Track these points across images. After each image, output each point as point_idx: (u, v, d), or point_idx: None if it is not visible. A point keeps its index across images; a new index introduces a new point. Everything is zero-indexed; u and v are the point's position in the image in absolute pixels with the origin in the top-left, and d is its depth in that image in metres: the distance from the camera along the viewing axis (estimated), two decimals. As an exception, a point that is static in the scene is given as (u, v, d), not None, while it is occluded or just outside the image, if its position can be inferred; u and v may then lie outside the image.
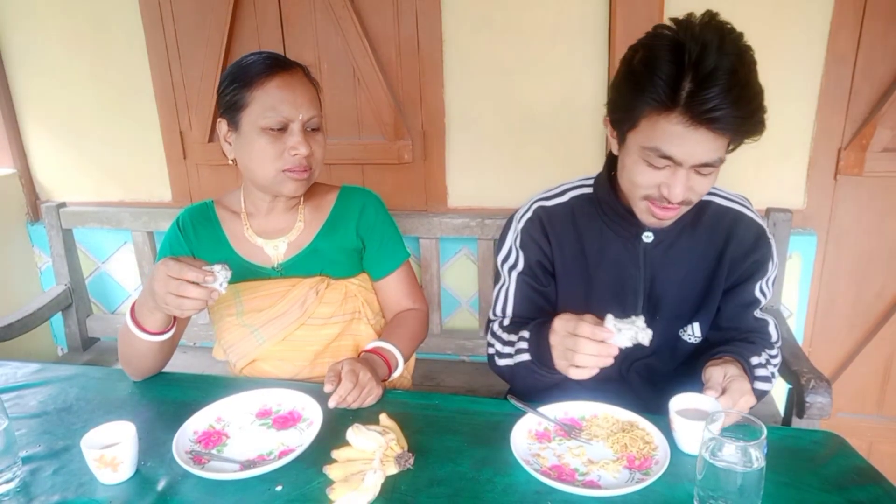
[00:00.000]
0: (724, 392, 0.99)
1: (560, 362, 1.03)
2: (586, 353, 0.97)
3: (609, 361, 0.98)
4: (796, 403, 1.47)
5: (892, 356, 1.94)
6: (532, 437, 1.06)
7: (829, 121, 1.78)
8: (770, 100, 1.02)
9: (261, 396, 1.18)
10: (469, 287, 2.12)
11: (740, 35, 0.98)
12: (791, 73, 1.75)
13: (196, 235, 1.36)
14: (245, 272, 1.34)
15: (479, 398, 1.21)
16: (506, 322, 1.27)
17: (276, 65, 1.21)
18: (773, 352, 1.17)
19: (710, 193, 1.20)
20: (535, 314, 1.24)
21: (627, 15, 1.73)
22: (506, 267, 1.28)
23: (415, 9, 1.89)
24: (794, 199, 1.87)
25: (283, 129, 1.20)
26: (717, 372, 1.03)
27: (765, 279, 1.19)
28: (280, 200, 1.33)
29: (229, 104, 1.22)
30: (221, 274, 1.06)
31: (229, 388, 1.21)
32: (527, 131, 1.95)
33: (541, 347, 1.08)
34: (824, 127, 1.79)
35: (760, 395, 1.10)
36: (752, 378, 1.07)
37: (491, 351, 1.26)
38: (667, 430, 1.03)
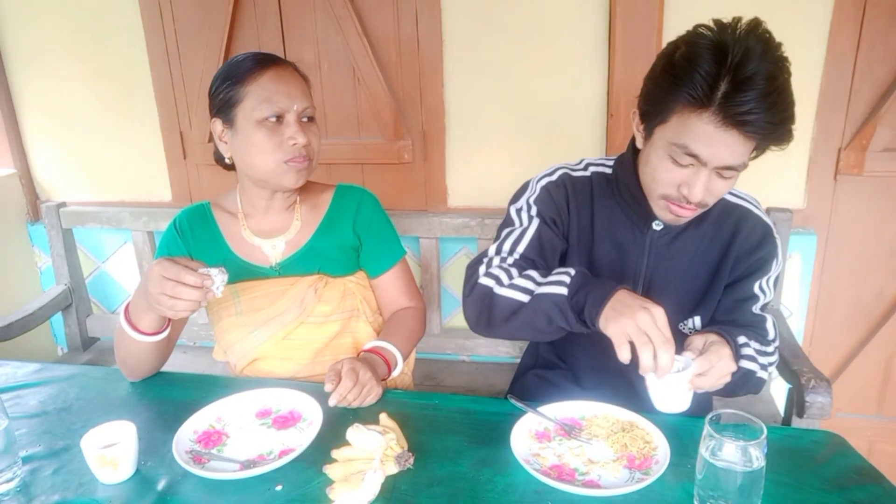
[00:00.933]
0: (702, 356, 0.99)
1: (619, 325, 0.95)
2: (654, 339, 0.93)
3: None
4: (796, 403, 1.47)
5: (892, 356, 1.94)
6: (532, 437, 1.06)
7: (829, 121, 1.78)
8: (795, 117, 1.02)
9: (261, 396, 1.18)
10: (469, 287, 2.11)
11: (780, 45, 0.98)
12: (791, 73, 1.75)
13: (193, 236, 1.36)
14: (243, 272, 1.34)
15: (479, 398, 1.21)
16: (511, 261, 1.18)
17: (266, 60, 1.23)
18: (769, 349, 1.16)
19: None
20: (539, 262, 1.19)
21: (627, 15, 1.73)
22: (523, 215, 1.24)
23: (415, 9, 1.89)
24: (794, 199, 1.87)
25: (278, 120, 1.21)
26: (698, 339, 1.03)
27: (766, 277, 1.19)
28: (277, 198, 1.33)
29: (223, 103, 1.23)
30: (219, 277, 1.06)
31: (229, 388, 1.21)
32: (527, 131, 1.95)
33: (590, 293, 1.01)
34: (824, 127, 1.79)
35: (747, 375, 1.08)
36: (738, 355, 1.06)
37: (487, 283, 1.14)
38: (667, 429, 1.03)
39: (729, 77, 0.94)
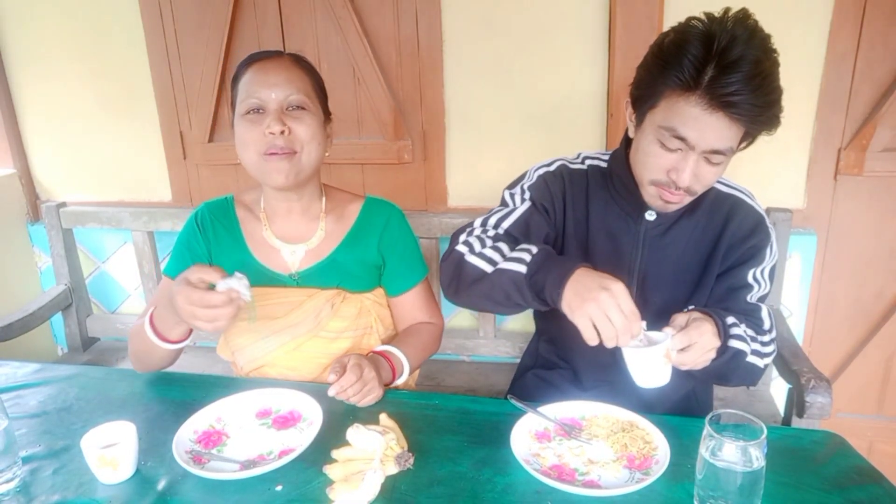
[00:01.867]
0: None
1: (583, 311, 0.96)
2: (616, 324, 0.94)
3: (625, 341, 0.96)
4: (796, 403, 1.47)
5: (892, 356, 1.94)
6: (532, 437, 1.06)
7: (829, 121, 1.78)
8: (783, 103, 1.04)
9: (261, 396, 1.18)
10: (469, 287, 2.11)
11: (769, 36, 1.01)
12: (791, 73, 1.74)
13: (214, 233, 1.34)
14: (260, 277, 1.30)
15: (479, 398, 1.21)
16: (492, 233, 1.20)
17: (259, 55, 1.23)
18: (765, 338, 1.16)
19: None
20: (521, 240, 1.19)
21: (627, 15, 1.73)
22: (516, 198, 1.25)
23: (415, 9, 1.89)
24: (794, 199, 1.87)
25: (260, 112, 1.19)
26: (682, 316, 1.03)
27: (759, 268, 1.19)
28: (295, 203, 1.30)
29: (232, 102, 1.25)
30: (242, 284, 1.04)
31: (229, 388, 1.21)
32: (527, 131, 1.95)
33: (549, 273, 1.02)
34: (824, 127, 1.79)
35: (737, 357, 1.07)
36: (726, 335, 1.06)
37: (461, 249, 1.16)
38: (667, 429, 1.03)
39: (715, 61, 0.97)
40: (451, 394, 1.27)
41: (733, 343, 1.07)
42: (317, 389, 1.17)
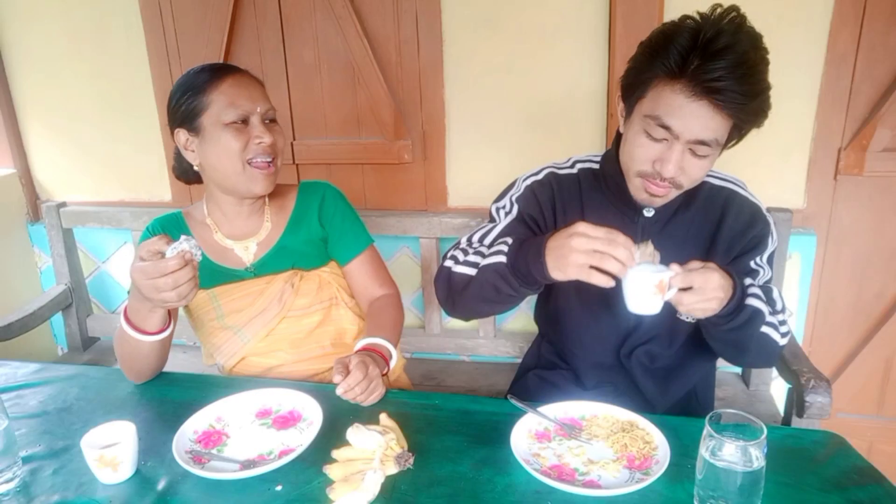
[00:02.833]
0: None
1: (572, 262, 0.98)
2: (616, 256, 0.96)
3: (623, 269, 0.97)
4: (796, 403, 1.47)
5: (892, 356, 1.94)
6: (532, 437, 1.06)
7: (829, 121, 1.78)
8: (771, 100, 1.03)
9: (261, 396, 1.18)
10: (469, 287, 2.11)
11: (759, 35, 1.01)
12: (791, 73, 1.75)
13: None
14: (219, 276, 1.36)
15: (479, 398, 1.21)
16: (476, 247, 1.23)
17: (222, 69, 1.30)
18: (780, 317, 1.16)
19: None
20: None
21: (627, 15, 1.73)
22: (501, 213, 1.28)
23: (415, 9, 1.88)
24: (794, 199, 1.87)
25: (244, 122, 1.26)
26: (696, 262, 1.02)
27: (761, 255, 1.20)
28: (245, 203, 1.36)
29: (186, 113, 1.26)
30: (191, 244, 1.06)
31: (229, 388, 1.21)
32: (527, 131, 1.95)
33: (523, 252, 1.06)
34: (824, 127, 1.79)
35: (755, 317, 1.08)
36: (743, 294, 1.06)
37: (448, 263, 1.21)
38: (667, 429, 1.03)
39: (701, 50, 0.98)
40: (451, 394, 1.27)
41: (751, 301, 1.07)
42: (317, 389, 1.17)
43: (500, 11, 1.85)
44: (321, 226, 1.42)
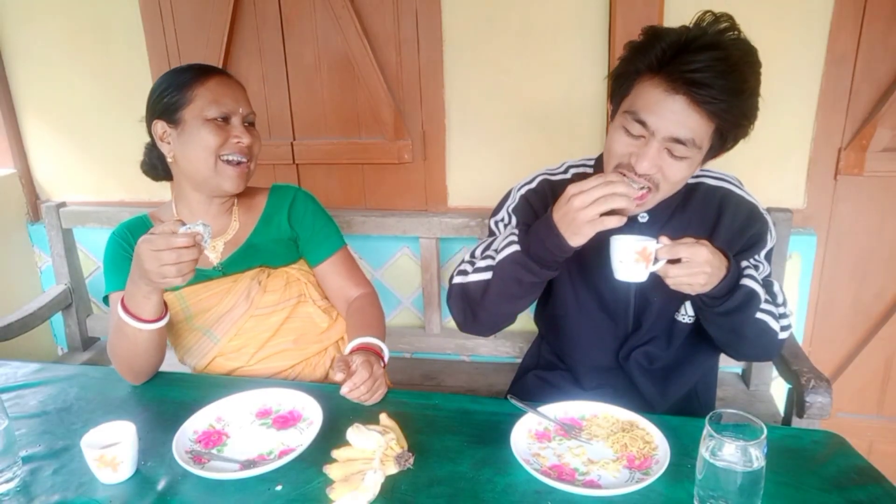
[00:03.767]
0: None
1: (583, 220, 0.98)
2: (618, 193, 0.97)
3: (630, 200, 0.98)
4: (796, 403, 1.47)
5: (892, 356, 1.94)
6: (532, 437, 1.06)
7: (829, 121, 1.78)
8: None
9: (261, 396, 1.18)
10: (469, 287, 2.11)
11: (752, 46, 1.01)
12: (791, 73, 1.75)
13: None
14: None
15: (479, 398, 1.21)
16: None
17: (210, 69, 1.32)
18: (781, 309, 1.16)
19: (699, 174, 1.21)
20: None
21: (627, 15, 1.73)
22: (500, 226, 1.29)
23: (415, 9, 1.88)
24: (794, 199, 1.87)
25: (225, 120, 1.28)
26: (689, 238, 1.02)
27: (761, 251, 1.19)
28: (214, 202, 1.36)
29: (167, 105, 1.27)
30: (206, 230, 1.07)
31: (229, 388, 1.21)
32: (527, 131, 1.95)
33: (534, 235, 1.07)
34: (824, 127, 1.79)
35: (750, 298, 1.07)
36: (739, 275, 1.06)
37: (458, 280, 1.22)
38: (667, 429, 1.03)
39: (683, 45, 0.98)
40: (451, 394, 1.27)
41: (746, 282, 1.07)
42: (317, 389, 1.17)
43: (500, 11, 1.85)
44: (290, 226, 1.43)
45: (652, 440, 1.02)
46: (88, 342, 2.30)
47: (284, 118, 2.08)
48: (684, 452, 0.99)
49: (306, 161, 2.10)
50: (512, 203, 1.28)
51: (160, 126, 1.29)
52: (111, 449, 0.96)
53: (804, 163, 1.84)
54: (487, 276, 1.16)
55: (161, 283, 1.09)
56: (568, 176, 1.27)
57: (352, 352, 1.20)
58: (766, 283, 1.18)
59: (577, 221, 0.99)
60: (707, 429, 0.85)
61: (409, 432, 1.06)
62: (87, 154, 2.27)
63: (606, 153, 1.12)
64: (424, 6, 1.88)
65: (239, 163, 1.29)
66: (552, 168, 1.30)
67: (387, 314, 1.53)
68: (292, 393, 1.17)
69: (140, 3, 2.03)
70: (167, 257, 1.04)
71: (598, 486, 0.93)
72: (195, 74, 1.29)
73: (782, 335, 1.15)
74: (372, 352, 1.24)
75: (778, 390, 1.89)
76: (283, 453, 1.03)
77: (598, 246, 1.23)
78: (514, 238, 1.12)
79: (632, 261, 1.02)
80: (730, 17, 1.01)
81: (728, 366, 1.91)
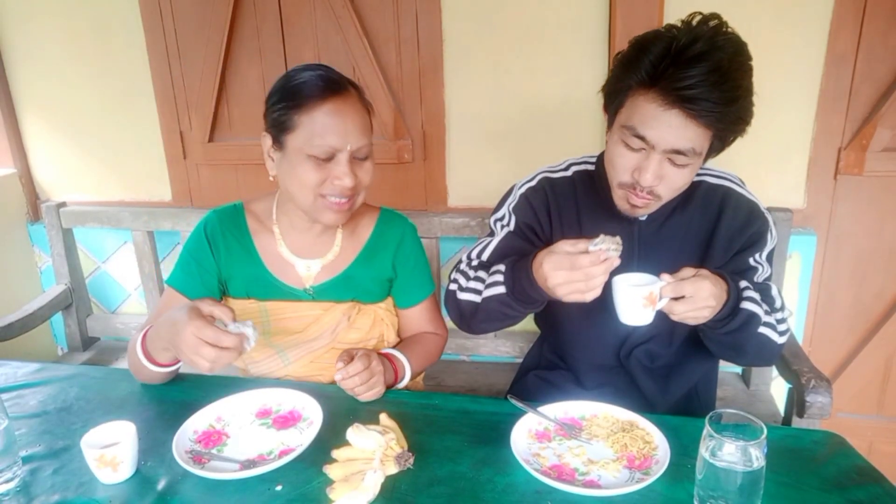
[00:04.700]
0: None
1: (571, 295, 1.01)
2: (596, 277, 0.99)
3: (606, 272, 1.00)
4: (796, 403, 1.47)
5: (892, 356, 1.94)
6: (532, 437, 1.06)
7: (829, 121, 1.78)
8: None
9: (261, 396, 1.18)
10: (469, 287, 2.11)
11: (742, 43, 1.00)
12: (791, 73, 1.75)
13: (225, 246, 1.29)
14: (274, 291, 1.29)
15: (479, 398, 1.21)
16: (475, 263, 1.27)
17: (328, 88, 1.13)
18: (779, 315, 1.16)
19: (700, 174, 1.21)
20: None
21: (627, 15, 1.73)
22: (499, 225, 1.30)
23: (415, 9, 1.88)
24: (794, 198, 1.87)
25: (329, 158, 1.14)
26: (689, 270, 1.02)
27: (761, 251, 1.19)
28: (317, 224, 1.26)
29: (276, 122, 1.15)
30: (252, 335, 1.05)
31: (229, 388, 1.21)
32: (527, 131, 1.95)
33: (519, 282, 1.09)
34: (824, 127, 1.79)
35: (751, 319, 1.08)
36: (738, 297, 1.07)
37: (453, 287, 1.24)
38: (667, 429, 1.03)
39: (673, 58, 0.97)
40: (451, 394, 1.27)
41: (746, 305, 1.07)
42: (317, 389, 1.17)
43: (500, 11, 1.85)
44: (392, 268, 1.34)
45: (652, 440, 1.02)
46: (88, 342, 2.30)
47: (284, 118, 2.08)
48: (684, 452, 0.99)
49: (306, 161, 2.10)
50: (513, 201, 1.28)
51: (268, 140, 1.18)
52: (111, 449, 0.96)
53: (804, 163, 1.84)
54: (476, 300, 1.19)
55: (189, 362, 1.04)
56: (569, 174, 1.27)
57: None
58: (765, 288, 1.18)
59: (554, 288, 1.01)
60: (707, 429, 0.85)
61: (409, 432, 1.06)
62: (87, 154, 2.27)
63: (609, 166, 1.12)
64: (424, 6, 1.88)
65: (339, 203, 1.17)
66: (554, 165, 1.30)
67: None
68: (292, 393, 1.17)
69: (140, 3, 2.03)
70: (207, 352, 1.00)
71: (598, 486, 0.93)
72: (310, 94, 1.12)
73: (781, 340, 1.15)
74: (389, 362, 1.23)
75: (778, 390, 1.89)
76: (283, 453, 1.03)
77: None
78: (500, 278, 1.14)
79: (639, 306, 1.01)
80: (717, 16, 1.00)
81: (728, 366, 1.90)
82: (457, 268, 1.28)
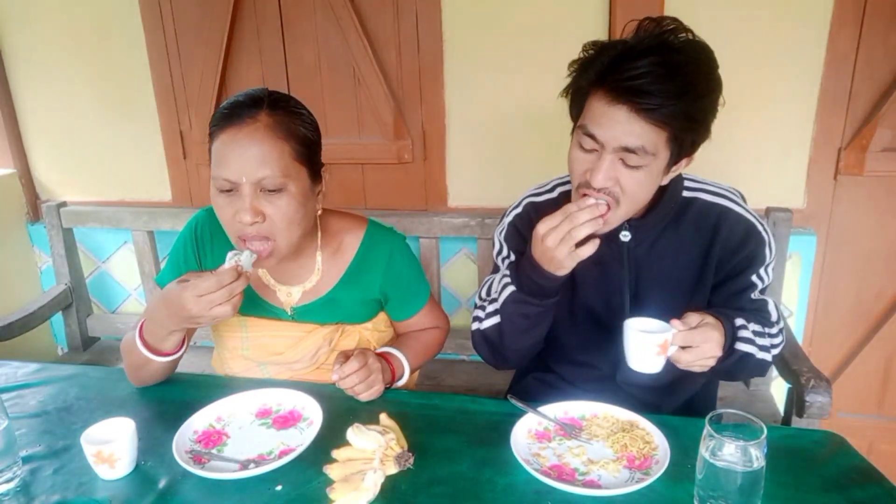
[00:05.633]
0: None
1: (560, 247, 1.02)
2: (583, 222, 1.00)
3: (600, 217, 1.02)
4: (796, 403, 1.47)
5: (892, 356, 1.94)
6: (532, 437, 1.06)
7: (829, 121, 1.78)
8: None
9: (261, 396, 1.18)
10: (469, 286, 2.11)
11: (700, 46, 0.99)
12: (791, 73, 1.75)
13: (212, 248, 1.27)
14: (255, 307, 1.26)
15: (479, 398, 1.21)
16: (487, 300, 1.27)
17: (229, 116, 1.06)
18: (773, 330, 1.16)
19: (696, 189, 1.18)
20: None
21: (627, 14, 1.72)
22: (500, 258, 1.30)
23: (415, 9, 1.89)
24: (794, 198, 1.87)
25: (231, 191, 1.06)
26: (695, 316, 1.02)
27: (760, 268, 1.18)
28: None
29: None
30: (247, 260, 1.05)
31: (229, 388, 1.21)
32: (527, 131, 1.95)
33: (524, 271, 1.11)
34: (824, 127, 1.79)
35: (744, 359, 1.09)
36: (734, 338, 1.07)
37: (475, 326, 1.25)
38: (667, 429, 1.03)
39: (622, 53, 0.97)
40: (451, 394, 1.27)
41: (740, 346, 1.08)
42: (317, 389, 1.17)
43: (500, 11, 1.85)
44: (381, 290, 1.28)
45: (652, 440, 1.02)
46: (88, 342, 2.30)
47: (284, 118, 2.08)
48: (684, 452, 0.99)
49: (306, 161, 2.10)
50: (502, 230, 1.29)
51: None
52: (109, 445, 0.96)
53: (804, 163, 1.84)
54: (497, 319, 1.20)
55: (208, 322, 1.02)
56: (554, 195, 1.26)
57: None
58: (761, 305, 1.17)
59: (555, 259, 1.03)
60: (707, 429, 0.84)
61: (409, 432, 1.06)
62: (87, 154, 2.27)
63: (569, 171, 1.11)
64: (424, 6, 1.88)
65: (256, 242, 1.07)
66: (539, 186, 1.30)
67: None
68: (292, 393, 1.17)
69: (140, 3, 2.04)
70: (219, 296, 0.98)
71: (598, 486, 0.93)
72: (213, 124, 1.07)
73: (774, 354, 1.16)
74: (386, 362, 1.22)
75: (778, 390, 1.89)
76: (283, 453, 1.03)
77: (590, 262, 1.22)
78: (508, 280, 1.16)
79: (652, 353, 1.00)
80: (675, 20, 0.99)
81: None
82: (473, 312, 1.28)
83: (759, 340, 1.11)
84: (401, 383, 1.27)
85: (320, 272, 1.25)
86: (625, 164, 1.02)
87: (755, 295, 1.18)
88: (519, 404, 1.11)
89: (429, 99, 1.96)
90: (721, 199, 1.18)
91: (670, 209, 1.15)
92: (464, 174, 2.04)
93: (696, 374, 1.29)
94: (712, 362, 1.01)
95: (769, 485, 0.86)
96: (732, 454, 0.82)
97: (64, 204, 2.18)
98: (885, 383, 1.97)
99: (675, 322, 1.00)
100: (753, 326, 1.11)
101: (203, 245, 1.28)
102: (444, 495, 0.93)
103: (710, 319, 1.02)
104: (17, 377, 1.33)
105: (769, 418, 1.70)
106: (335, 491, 0.91)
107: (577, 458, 1.01)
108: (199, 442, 1.06)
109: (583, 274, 1.22)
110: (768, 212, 1.78)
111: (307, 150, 1.11)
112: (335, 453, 0.99)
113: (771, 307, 1.18)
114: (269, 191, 1.06)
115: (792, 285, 1.89)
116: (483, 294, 1.29)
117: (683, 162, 1.08)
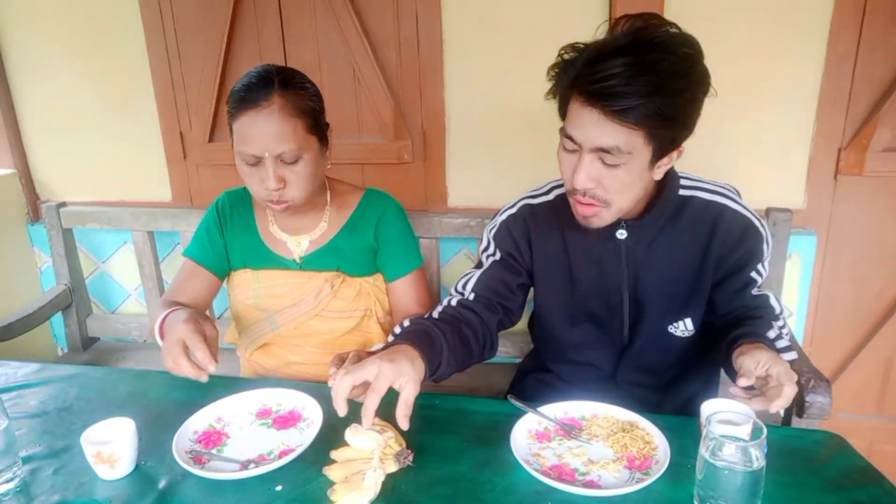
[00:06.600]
0: (765, 383, 0.94)
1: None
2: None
3: None
4: (796, 403, 1.47)
5: (892, 356, 1.94)
6: (532, 437, 1.06)
7: (829, 121, 1.78)
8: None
9: (261, 396, 1.18)
10: (469, 287, 2.11)
11: (679, 42, 0.96)
12: (791, 73, 1.75)
13: (231, 218, 1.45)
14: (267, 260, 1.43)
15: (479, 398, 1.21)
16: (465, 295, 1.25)
17: (245, 99, 1.22)
18: (781, 322, 1.15)
19: (693, 187, 1.18)
20: (492, 297, 1.25)
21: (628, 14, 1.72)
22: (484, 255, 1.30)
23: (415, 9, 1.88)
24: (794, 198, 1.87)
25: (256, 163, 1.24)
26: (749, 362, 0.95)
27: (759, 264, 1.18)
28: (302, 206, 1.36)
29: (229, 123, 1.27)
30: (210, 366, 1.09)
31: (229, 388, 1.21)
32: (527, 131, 1.94)
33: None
34: (824, 127, 1.79)
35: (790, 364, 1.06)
36: (778, 351, 1.04)
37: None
38: (667, 429, 1.03)
39: (594, 55, 0.97)
40: (450, 394, 1.27)
41: (786, 356, 1.04)
42: (317, 389, 1.17)
43: (500, 11, 1.85)
44: (375, 239, 1.43)
45: (652, 440, 1.02)
46: (88, 342, 2.30)
47: (284, 118, 2.08)
48: (684, 452, 0.99)
49: (306, 161, 2.10)
50: (493, 228, 1.29)
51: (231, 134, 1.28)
52: (108, 445, 0.97)
53: (804, 163, 1.84)
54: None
55: (164, 354, 1.12)
56: (550, 197, 1.26)
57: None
58: (763, 298, 1.17)
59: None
60: (707, 429, 0.84)
61: (409, 432, 1.05)
62: (87, 154, 2.27)
63: (560, 173, 1.11)
64: (424, 6, 1.88)
65: (277, 203, 1.28)
66: (536, 189, 1.29)
67: (387, 314, 1.52)
68: (292, 393, 1.18)
69: (140, 3, 2.03)
70: (171, 364, 1.09)
71: (598, 486, 0.93)
72: (231, 105, 1.24)
73: (787, 344, 1.14)
74: None
75: (778, 390, 1.89)
76: (283, 453, 1.03)
77: (588, 277, 1.22)
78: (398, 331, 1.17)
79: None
80: (654, 15, 0.98)
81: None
82: (448, 297, 1.27)
83: (786, 342, 1.11)
84: None
85: (326, 224, 1.42)
86: (603, 163, 1.02)
87: (756, 291, 1.18)
88: (519, 404, 1.11)
89: (429, 99, 1.96)
90: (718, 197, 1.18)
91: (667, 208, 1.15)
92: (464, 174, 2.04)
93: (696, 374, 1.30)
94: (794, 378, 0.94)
95: (769, 485, 0.87)
96: (732, 454, 0.82)
97: (64, 204, 2.18)
98: (885, 383, 1.97)
99: (742, 381, 0.93)
100: (776, 329, 1.11)
101: (225, 218, 1.46)
102: (444, 495, 0.93)
103: (763, 357, 0.95)
104: (17, 377, 1.33)
105: (769, 418, 1.70)
106: (336, 492, 0.91)
107: (577, 459, 1.01)
108: (199, 442, 1.07)
109: (581, 274, 1.22)
110: (768, 212, 1.78)
111: (315, 121, 1.29)
112: (334, 454, 0.99)
113: (773, 301, 1.18)
114: (288, 162, 1.24)
115: (792, 285, 1.89)
116: (459, 287, 1.28)
117: (674, 155, 1.06)
